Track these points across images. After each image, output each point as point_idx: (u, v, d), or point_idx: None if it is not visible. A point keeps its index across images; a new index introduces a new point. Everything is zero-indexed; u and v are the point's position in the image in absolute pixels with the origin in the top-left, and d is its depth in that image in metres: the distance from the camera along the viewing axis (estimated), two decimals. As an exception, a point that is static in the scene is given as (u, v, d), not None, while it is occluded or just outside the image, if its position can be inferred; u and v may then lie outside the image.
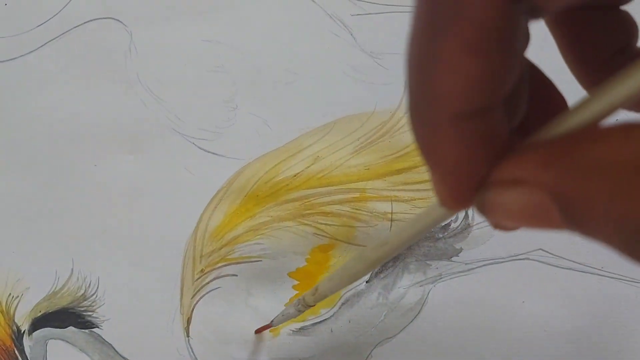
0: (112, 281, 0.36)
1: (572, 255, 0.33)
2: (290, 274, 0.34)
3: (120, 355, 0.35)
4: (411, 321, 0.33)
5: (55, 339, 0.36)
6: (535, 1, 0.12)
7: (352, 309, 0.34)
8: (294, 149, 0.35)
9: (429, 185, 0.34)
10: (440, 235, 0.34)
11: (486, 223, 0.33)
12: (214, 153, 0.36)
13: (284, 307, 0.32)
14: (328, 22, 0.36)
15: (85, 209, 0.37)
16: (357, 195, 0.34)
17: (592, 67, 0.16)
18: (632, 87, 0.11)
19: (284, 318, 0.30)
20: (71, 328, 0.36)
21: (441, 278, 0.33)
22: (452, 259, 0.33)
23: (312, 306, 0.27)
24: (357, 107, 0.35)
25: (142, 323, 0.35)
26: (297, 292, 0.34)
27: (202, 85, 0.37)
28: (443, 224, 0.34)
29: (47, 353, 0.36)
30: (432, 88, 0.12)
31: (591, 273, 0.32)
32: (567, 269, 0.33)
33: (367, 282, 0.34)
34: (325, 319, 0.34)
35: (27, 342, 0.36)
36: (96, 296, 0.36)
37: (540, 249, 0.33)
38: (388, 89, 0.35)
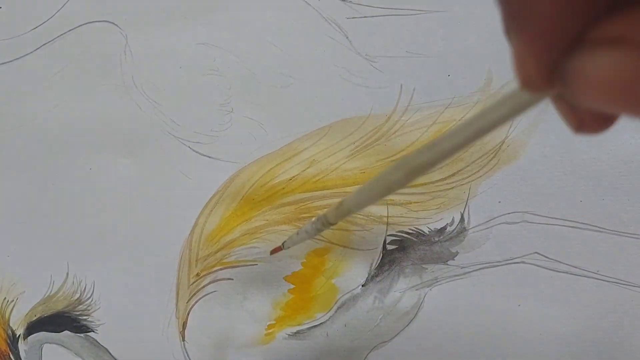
0: (107, 285, 0.36)
1: (568, 259, 0.33)
2: (286, 278, 0.34)
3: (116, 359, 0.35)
4: (407, 325, 0.33)
5: (50, 343, 0.36)
6: None
7: (348, 313, 0.34)
8: (290, 152, 0.35)
9: (424, 189, 0.34)
10: (436, 239, 0.34)
11: (482, 227, 0.33)
12: (209, 156, 0.36)
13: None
14: (324, 25, 0.36)
15: (80, 213, 0.36)
16: (352, 198, 0.34)
17: None
18: None
19: (299, 238, 0.27)
20: (66, 332, 0.36)
21: (437, 282, 0.33)
22: (448, 262, 0.33)
23: (333, 224, 0.23)
24: (352, 111, 0.35)
25: (137, 327, 0.35)
26: (293, 295, 0.34)
27: (197, 88, 0.36)
28: (439, 228, 0.34)
29: (43, 357, 0.36)
30: None
31: (586, 277, 0.32)
32: (563, 272, 0.33)
33: (362, 285, 0.34)
34: (321, 323, 0.34)
35: (22, 346, 0.36)
36: (91, 300, 0.36)
37: (536, 252, 0.33)
38: (383, 93, 0.35)
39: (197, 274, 0.35)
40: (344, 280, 0.34)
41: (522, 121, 0.33)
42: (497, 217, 0.33)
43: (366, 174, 0.34)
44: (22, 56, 0.38)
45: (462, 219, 0.33)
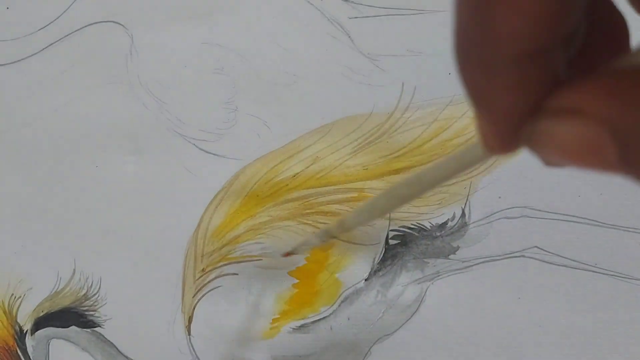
0: (114, 281, 0.36)
1: (567, 253, 0.33)
2: (290, 273, 0.35)
3: (123, 354, 0.36)
4: (409, 318, 0.34)
5: (57, 338, 0.36)
6: None
7: (352, 307, 0.34)
8: (294, 149, 0.36)
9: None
10: (438, 234, 0.34)
11: (483, 222, 0.34)
12: (214, 154, 0.36)
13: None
14: (326, 24, 0.37)
15: (87, 210, 0.37)
16: (355, 195, 0.35)
17: None
18: None
19: (307, 247, 0.30)
20: (73, 327, 0.36)
21: (439, 276, 0.34)
22: (450, 256, 0.34)
23: (336, 237, 0.26)
24: (355, 109, 0.36)
25: (144, 322, 0.35)
26: (297, 290, 0.35)
27: (202, 87, 0.37)
28: (440, 223, 0.34)
29: (50, 352, 0.36)
30: (491, 28, 0.11)
31: (585, 270, 0.33)
32: (562, 266, 0.33)
33: (365, 280, 0.34)
34: (325, 317, 0.34)
35: (29, 341, 0.36)
36: (98, 296, 0.36)
37: (536, 246, 0.33)
38: (385, 91, 0.36)
39: (203, 270, 0.35)
40: (347, 275, 0.34)
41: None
42: (498, 212, 0.34)
43: (369, 170, 0.35)
44: (29, 56, 0.39)
45: (463, 214, 0.34)
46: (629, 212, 0.33)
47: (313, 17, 0.37)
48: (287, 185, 0.35)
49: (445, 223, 0.34)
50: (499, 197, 0.34)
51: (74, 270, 0.36)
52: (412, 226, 0.34)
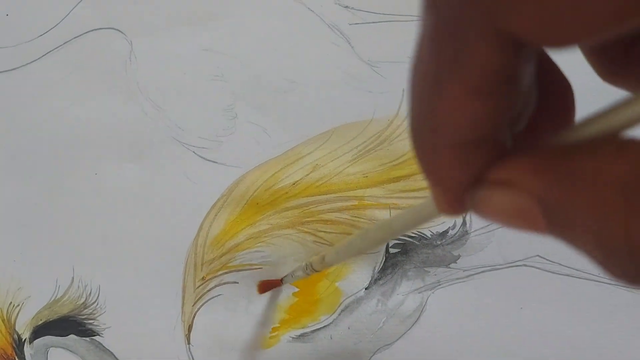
0: (113, 289, 0.36)
1: (569, 262, 0.33)
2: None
3: (121, 363, 0.35)
4: (410, 328, 0.33)
5: (56, 347, 0.36)
6: (541, 46, 0.12)
7: (352, 316, 0.34)
8: (293, 157, 0.36)
9: (427, 193, 0.34)
10: (439, 243, 0.34)
11: (484, 230, 0.34)
12: (214, 161, 0.36)
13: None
14: (326, 31, 0.37)
15: (86, 217, 0.37)
16: (355, 202, 0.35)
17: (610, 57, 0.15)
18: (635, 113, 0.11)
19: (293, 278, 0.32)
20: (72, 336, 0.36)
21: (439, 285, 0.34)
22: (450, 265, 0.34)
23: (318, 272, 0.29)
24: (355, 115, 0.36)
25: (143, 331, 0.35)
26: (297, 299, 0.34)
27: (201, 94, 0.37)
28: (441, 231, 0.34)
29: (48, 361, 0.36)
30: (435, 118, 0.13)
31: (587, 279, 0.33)
32: (565, 275, 0.33)
33: (366, 288, 0.34)
34: (325, 326, 0.34)
35: (28, 350, 0.36)
36: (97, 304, 0.36)
37: (538, 255, 0.33)
38: (386, 97, 0.35)
39: (203, 278, 0.35)
40: (347, 284, 0.34)
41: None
42: (499, 220, 0.33)
43: (369, 178, 0.35)
44: (29, 63, 0.39)
45: (463, 223, 0.34)
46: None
47: (313, 23, 0.37)
48: (287, 193, 0.35)
49: (446, 231, 0.34)
50: (501, 205, 0.34)
51: (73, 278, 0.36)
52: (413, 235, 0.34)
